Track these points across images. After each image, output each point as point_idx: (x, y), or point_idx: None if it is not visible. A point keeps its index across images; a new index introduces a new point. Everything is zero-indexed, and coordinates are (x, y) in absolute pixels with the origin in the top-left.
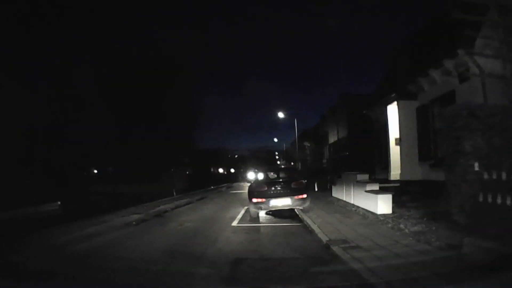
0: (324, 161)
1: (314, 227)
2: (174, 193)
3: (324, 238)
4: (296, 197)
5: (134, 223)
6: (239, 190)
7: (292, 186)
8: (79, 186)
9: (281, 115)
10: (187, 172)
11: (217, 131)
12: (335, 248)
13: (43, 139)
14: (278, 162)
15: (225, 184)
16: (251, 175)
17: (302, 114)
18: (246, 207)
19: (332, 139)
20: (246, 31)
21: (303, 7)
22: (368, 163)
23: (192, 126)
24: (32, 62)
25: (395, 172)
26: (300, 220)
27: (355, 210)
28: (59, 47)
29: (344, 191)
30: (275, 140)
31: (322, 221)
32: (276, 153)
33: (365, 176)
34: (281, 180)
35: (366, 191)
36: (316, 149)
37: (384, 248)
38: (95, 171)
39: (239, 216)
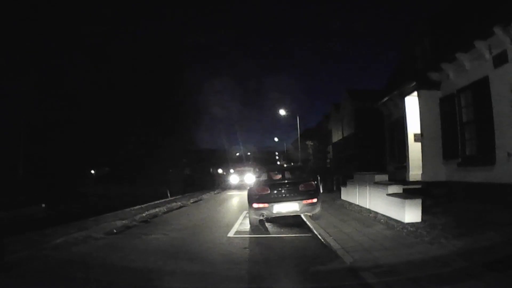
0: (328, 160)
1: (330, 240)
2: (169, 195)
3: (347, 258)
4: (304, 201)
5: (114, 231)
6: (237, 191)
7: (300, 188)
8: (69, 187)
9: (282, 112)
10: (186, 173)
11: (216, 131)
12: (366, 275)
13: (30, 136)
14: (278, 163)
15: (224, 185)
16: (234, 178)
17: (304, 114)
18: (245, 212)
19: (336, 137)
20: (248, 28)
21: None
22: (379, 162)
23: (190, 125)
24: (20, 54)
25: (415, 172)
26: (310, 229)
27: (374, 217)
28: (50, 39)
29: (357, 193)
30: (276, 139)
31: (338, 232)
32: (277, 153)
33: (384, 177)
34: (286, 181)
35: (388, 195)
36: (319, 148)
37: (434, 275)
38: (92, 172)
39: (237, 223)
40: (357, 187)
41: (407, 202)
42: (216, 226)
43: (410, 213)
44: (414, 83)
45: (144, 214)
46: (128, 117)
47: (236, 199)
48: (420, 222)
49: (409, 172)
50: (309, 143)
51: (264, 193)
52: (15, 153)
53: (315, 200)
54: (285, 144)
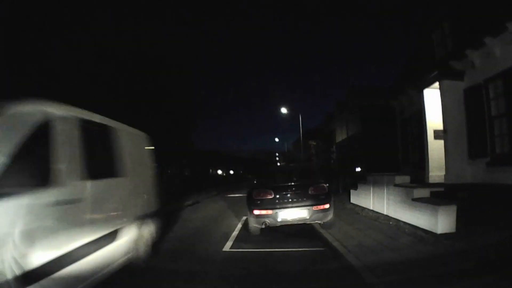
0: (332, 161)
1: (351, 258)
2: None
3: None
4: (315, 207)
5: None
6: (236, 193)
7: (310, 192)
8: None
9: (284, 110)
10: (186, 174)
11: (216, 132)
12: None
13: None
14: (279, 164)
15: (222, 186)
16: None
17: (305, 114)
18: (244, 218)
19: (340, 137)
20: (248, 29)
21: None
22: (390, 162)
23: (190, 125)
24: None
25: (436, 173)
26: (322, 240)
27: (396, 225)
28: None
29: (372, 197)
30: (276, 140)
31: (357, 245)
32: (277, 154)
33: (405, 178)
34: (293, 184)
35: (414, 200)
36: (323, 148)
37: None
38: None
39: (235, 232)
40: (372, 190)
41: (441, 209)
42: (210, 235)
43: (444, 222)
44: (436, 72)
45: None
46: (119, 113)
47: (235, 202)
48: (455, 232)
49: (428, 173)
50: (312, 143)
51: (266, 197)
52: None
53: (327, 205)
54: (285, 145)
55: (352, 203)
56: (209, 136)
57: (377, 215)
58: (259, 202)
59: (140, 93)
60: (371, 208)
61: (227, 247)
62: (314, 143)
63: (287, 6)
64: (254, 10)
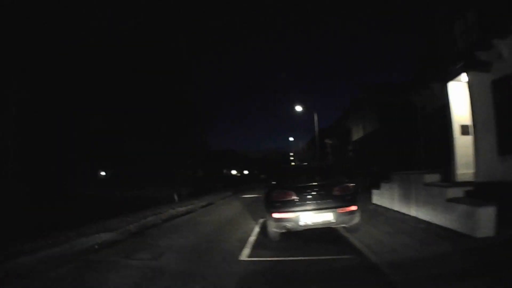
0: (348, 160)
1: (387, 269)
2: (176, 198)
3: None
4: (341, 210)
5: (96, 247)
6: (251, 194)
7: (335, 193)
8: (59, 189)
9: (298, 108)
10: (199, 174)
11: (230, 132)
12: None
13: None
14: (293, 163)
15: (237, 187)
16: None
17: (319, 113)
18: (261, 220)
19: (356, 135)
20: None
21: None
22: (410, 160)
23: (204, 126)
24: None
25: (462, 171)
26: (349, 246)
27: (427, 228)
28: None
29: (397, 197)
30: (291, 139)
31: (390, 252)
32: (291, 153)
33: (435, 177)
34: (316, 184)
35: (449, 200)
36: (339, 147)
37: None
38: (103, 173)
39: (252, 237)
40: (397, 189)
41: (480, 211)
42: (225, 241)
43: (483, 226)
44: (461, 63)
45: (140, 223)
46: (134, 116)
47: (250, 203)
48: (496, 236)
49: (455, 170)
50: (328, 141)
51: (287, 199)
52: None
53: (354, 207)
54: (299, 144)
55: (374, 204)
56: (224, 136)
57: (404, 217)
58: (279, 204)
59: (154, 94)
60: (396, 209)
61: (244, 255)
62: (330, 142)
63: (297, 6)
64: (269, 9)
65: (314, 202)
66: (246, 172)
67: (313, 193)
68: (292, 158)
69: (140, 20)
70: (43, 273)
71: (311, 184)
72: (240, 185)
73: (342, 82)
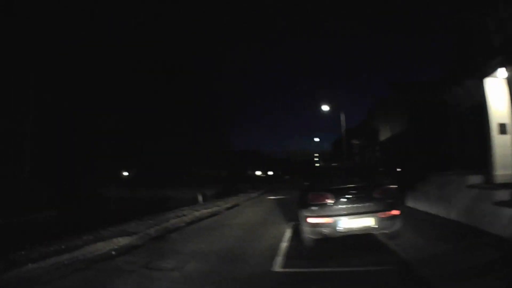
0: (376, 160)
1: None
2: (200, 200)
3: None
4: (382, 214)
5: (113, 253)
6: (277, 195)
7: (375, 195)
8: (87, 190)
9: (325, 107)
10: (222, 175)
11: (254, 133)
12: None
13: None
14: (317, 164)
15: (262, 188)
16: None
17: (346, 112)
18: (292, 224)
19: (384, 135)
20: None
21: None
22: (441, 161)
23: (227, 126)
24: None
25: (501, 172)
26: (391, 254)
27: (472, 234)
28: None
29: (434, 200)
30: (316, 139)
31: (441, 264)
32: (316, 154)
33: (478, 179)
34: (355, 185)
35: (497, 204)
36: (366, 147)
37: None
38: (125, 174)
39: (284, 243)
40: (434, 191)
41: None
42: (254, 247)
43: None
44: (499, 58)
45: (162, 226)
46: (158, 116)
47: (278, 205)
48: None
49: (494, 172)
50: (355, 141)
51: (325, 202)
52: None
53: (396, 212)
54: (325, 145)
55: (408, 206)
56: (248, 137)
57: (444, 221)
58: (315, 208)
59: (177, 94)
60: (433, 212)
61: (278, 265)
62: (358, 143)
63: (322, 5)
64: (292, 8)
65: (354, 205)
66: (270, 173)
67: (352, 195)
68: (317, 159)
69: (164, 19)
70: (47, 284)
71: (349, 186)
72: (265, 186)
73: (367, 82)
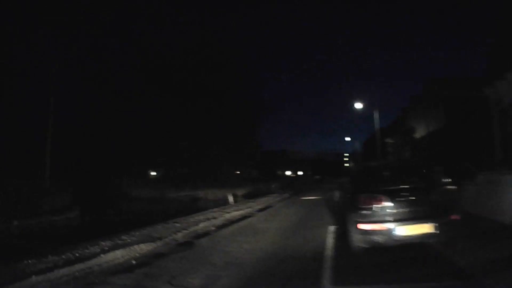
0: (412, 159)
1: None
2: (231, 200)
3: None
4: (442, 219)
5: (133, 262)
6: (310, 195)
7: (434, 197)
8: (114, 190)
9: (358, 105)
10: (253, 175)
11: (283, 132)
12: None
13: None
14: (347, 165)
15: (294, 188)
16: None
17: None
18: (332, 228)
19: (419, 133)
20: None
21: None
22: (483, 160)
23: (257, 126)
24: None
25: None
26: (451, 267)
27: None
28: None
29: (483, 202)
30: (348, 139)
31: (504, 275)
32: (346, 154)
33: None
34: (412, 187)
35: None
36: (400, 146)
37: None
38: (153, 173)
39: (328, 251)
40: (483, 192)
41: None
42: (298, 261)
43: None
44: None
45: (189, 230)
46: (187, 116)
47: (312, 206)
48: None
49: None
50: (389, 140)
51: (378, 205)
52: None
53: (457, 217)
54: (356, 145)
55: None
56: (277, 136)
57: (495, 226)
58: (367, 212)
59: (207, 94)
60: (484, 215)
61: (329, 281)
62: (392, 141)
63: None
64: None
65: (411, 209)
66: (300, 173)
67: (409, 198)
68: (347, 158)
69: (200, 23)
70: None
71: (406, 187)
72: (296, 186)
73: (400, 81)
